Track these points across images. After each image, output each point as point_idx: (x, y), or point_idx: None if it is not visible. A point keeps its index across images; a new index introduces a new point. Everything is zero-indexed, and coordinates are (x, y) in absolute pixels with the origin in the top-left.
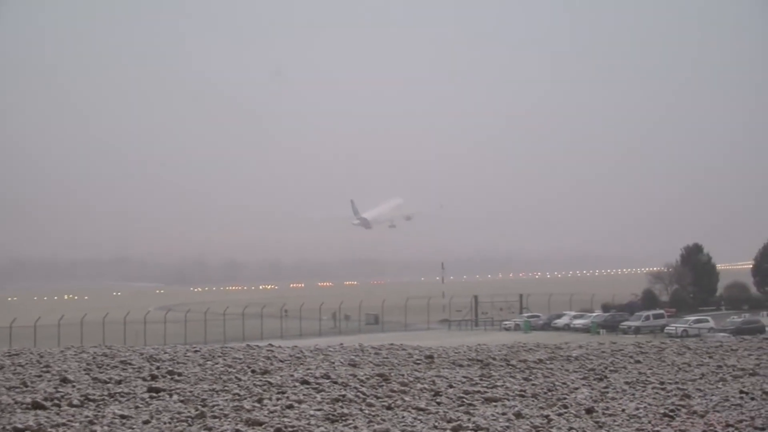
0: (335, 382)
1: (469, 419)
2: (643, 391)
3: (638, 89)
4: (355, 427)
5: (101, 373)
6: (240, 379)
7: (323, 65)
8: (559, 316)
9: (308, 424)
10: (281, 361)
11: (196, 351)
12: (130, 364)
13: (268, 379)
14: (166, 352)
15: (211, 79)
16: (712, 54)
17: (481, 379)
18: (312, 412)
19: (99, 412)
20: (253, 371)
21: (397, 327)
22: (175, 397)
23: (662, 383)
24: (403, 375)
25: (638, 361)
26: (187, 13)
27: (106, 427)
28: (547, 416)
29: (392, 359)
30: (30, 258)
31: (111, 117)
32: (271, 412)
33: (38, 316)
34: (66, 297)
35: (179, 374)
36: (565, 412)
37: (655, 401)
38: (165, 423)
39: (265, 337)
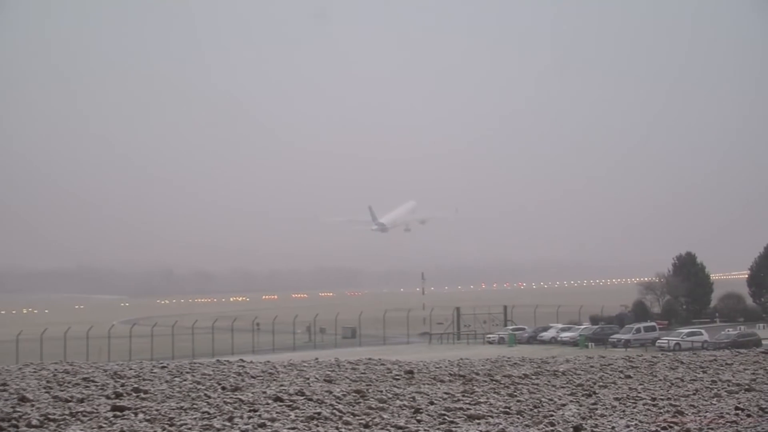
0: (310, 399)
1: None
2: (634, 408)
3: (631, 96)
4: None
5: (62, 391)
6: (209, 397)
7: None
8: (546, 329)
9: None
10: (253, 377)
11: (163, 367)
12: (93, 381)
13: (240, 397)
14: (131, 369)
15: (207, 77)
16: (704, 59)
17: (463, 396)
18: (285, 431)
19: None
20: (223, 388)
21: (375, 341)
22: (141, 416)
23: (654, 399)
24: (381, 391)
25: (629, 376)
26: (191, 15)
27: None
28: None
29: (370, 375)
30: None
31: (70, 123)
32: (243, 431)
33: None
34: (24, 311)
35: (145, 392)
36: (552, 430)
37: (646, 418)
38: None
39: (236, 352)
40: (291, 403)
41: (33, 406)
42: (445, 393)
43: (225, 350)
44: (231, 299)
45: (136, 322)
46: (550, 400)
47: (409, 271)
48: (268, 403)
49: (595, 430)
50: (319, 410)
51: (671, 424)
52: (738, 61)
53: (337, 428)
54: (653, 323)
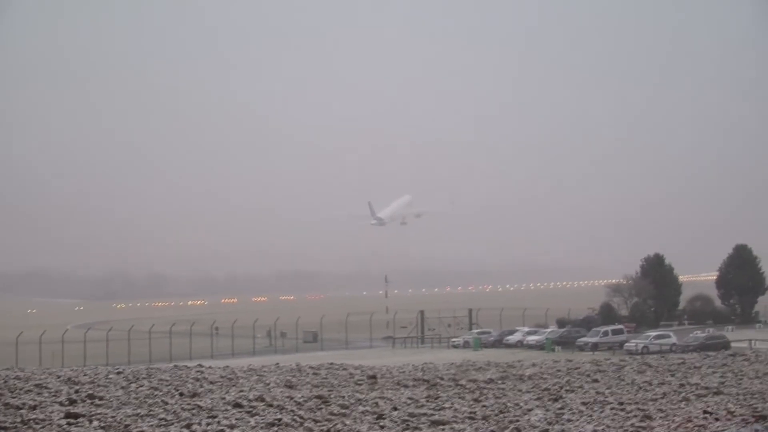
0: (270, 405)
1: None
2: (601, 413)
3: (606, 98)
4: None
5: (14, 398)
6: (167, 403)
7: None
8: (512, 333)
9: None
10: (212, 382)
11: (118, 373)
12: (45, 387)
13: (198, 403)
14: (85, 375)
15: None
16: (678, 61)
17: (427, 401)
18: None
19: None
20: (181, 394)
21: (338, 345)
22: (96, 423)
23: (621, 403)
24: (343, 397)
25: (596, 380)
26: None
27: None
28: None
29: (332, 380)
30: None
31: (18, 124)
32: None
33: None
34: None
35: (100, 398)
36: None
37: (614, 423)
38: None
39: (194, 357)
40: (251, 409)
41: None
42: (409, 398)
43: (183, 355)
44: (189, 303)
45: (91, 326)
46: (516, 405)
47: (372, 274)
48: (227, 409)
49: None
50: (279, 416)
51: (639, 429)
52: (703, 64)
53: None
54: (621, 326)
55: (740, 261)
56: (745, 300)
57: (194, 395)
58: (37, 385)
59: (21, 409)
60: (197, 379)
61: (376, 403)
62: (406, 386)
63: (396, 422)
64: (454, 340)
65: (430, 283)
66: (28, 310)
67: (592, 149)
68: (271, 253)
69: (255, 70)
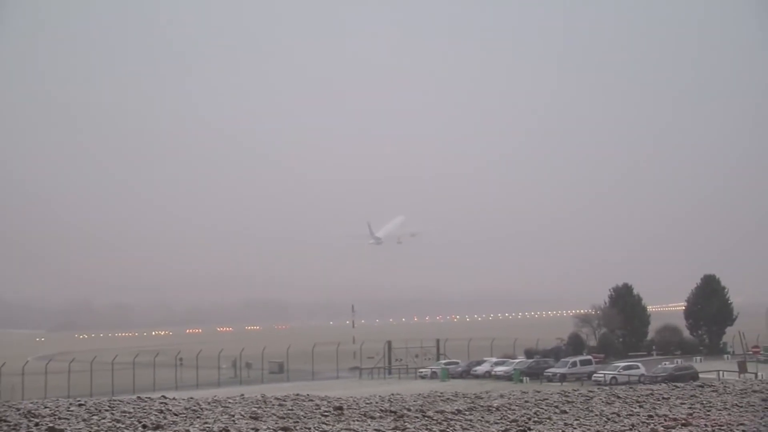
0: None
1: None
2: None
3: (571, 128)
4: None
5: None
6: None
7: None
8: (479, 363)
9: None
10: (176, 414)
11: (80, 405)
12: (4, 421)
13: None
14: (46, 407)
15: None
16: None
17: None
18: None
19: None
20: (144, 426)
21: (304, 375)
22: None
23: None
24: (309, 429)
25: (564, 411)
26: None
27: None
28: None
29: (298, 411)
30: None
31: None
32: None
33: None
34: None
35: (61, 431)
36: None
37: None
38: None
39: (158, 389)
40: None
41: None
42: (376, 430)
43: (146, 387)
44: (153, 333)
45: (52, 357)
46: None
47: (338, 304)
48: None
49: None
50: None
51: None
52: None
53: None
54: (589, 357)
55: (708, 291)
56: (713, 331)
57: (157, 427)
58: None
59: None
60: (161, 411)
61: None
62: (372, 418)
63: None
64: (421, 370)
65: (397, 313)
66: None
67: (558, 180)
68: (236, 281)
69: (223, 83)
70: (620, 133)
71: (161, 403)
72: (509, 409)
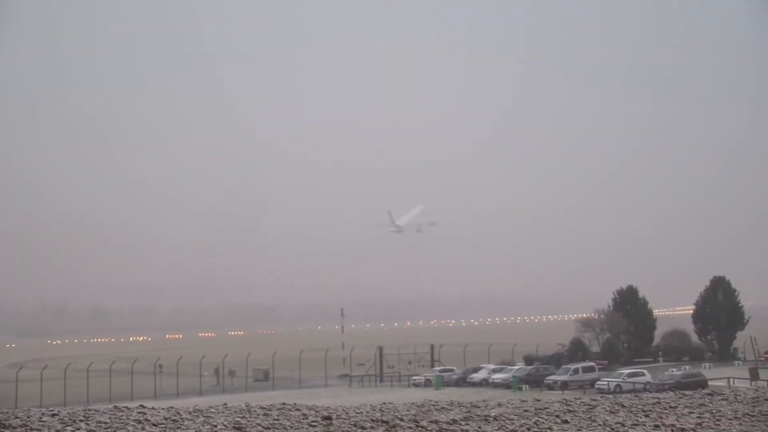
0: None
1: None
2: None
3: (577, 136)
4: None
5: None
6: None
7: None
8: (476, 370)
9: None
10: (154, 425)
11: (53, 415)
12: None
13: None
14: (17, 417)
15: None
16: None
17: None
18: None
19: None
20: None
21: (290, 383)
22: None
23: None
24: None
25: (566, 421)
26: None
27: None
28: None
29: (284, 421)
30: None
31: None
32: None
33: None
34: None
35: None
36: None
37: None
38: None
39: (135, 397)
40: None
41: None
42: None
43: (124, 395)
44: (131, 339)
45: (23, 365)
46: None
47: (327, 307)
48: None
49: None
50: None
51: None
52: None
53: None
54: (592, 363)
55: (718, 294)
56: (723, 336)
57: None
58: None
59: None
60: (139, 422)
61: None
62: (363, 428)
63: None
64: (414, 378)
65: (389, 317)
66: None
67: (563, 180)
68: (219, 284)
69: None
70: (625, 130)
71: (139, 412)
72: (507, 418)
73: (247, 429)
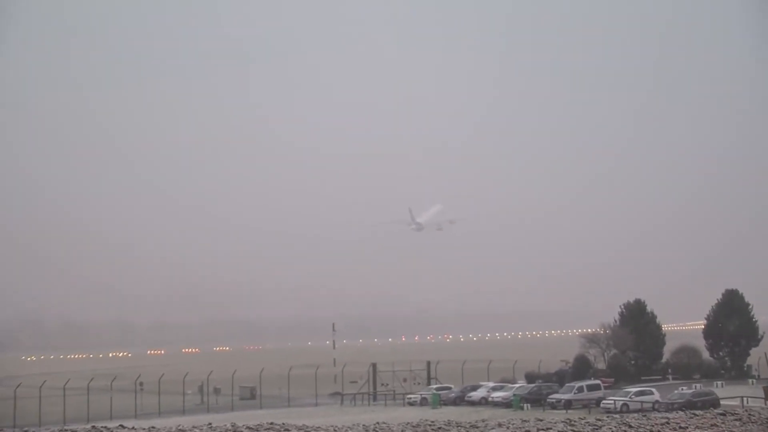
0: None
1: None
2: None
3: (592, 129)
4: None
5: None
6: None
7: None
8: (475, 388)
9: None
10: None
11: None
12: None
13: None
14: None
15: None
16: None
17: None
18: None
19: None
20: None
21: (279, 402)
22: None
23: None
24: None
25: None
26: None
27: None
28: None
29: None
30: None
31: None
32: None
33: None
34: None
35: None
36: None
37: None
38: None
39: (115, 417)
40: None
41: None
42: None
43: (102, 415)
44: (110, 355)
45: None
46: None
47: (318, 322)
48: None
49: None
50: None
51: None
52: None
53: None
54: (597, 381)
55: (730, 308)
56: (735, 352)
57: None
58: None
59: None
60: None
61: None
62: None
63: None
64: (410, 396)
65: (383, 332)
66: None
67: (566, 187)
68: (204, 298)
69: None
70: (625, 136)
71: None
72: None
73: None
